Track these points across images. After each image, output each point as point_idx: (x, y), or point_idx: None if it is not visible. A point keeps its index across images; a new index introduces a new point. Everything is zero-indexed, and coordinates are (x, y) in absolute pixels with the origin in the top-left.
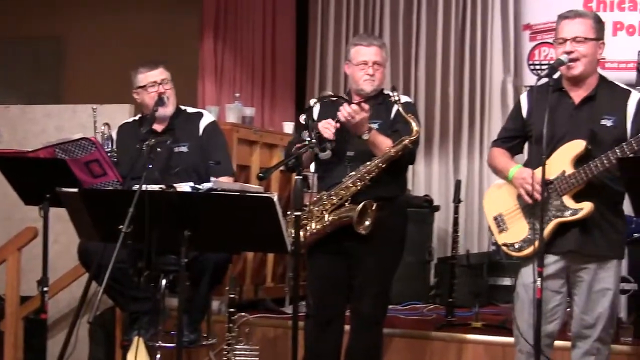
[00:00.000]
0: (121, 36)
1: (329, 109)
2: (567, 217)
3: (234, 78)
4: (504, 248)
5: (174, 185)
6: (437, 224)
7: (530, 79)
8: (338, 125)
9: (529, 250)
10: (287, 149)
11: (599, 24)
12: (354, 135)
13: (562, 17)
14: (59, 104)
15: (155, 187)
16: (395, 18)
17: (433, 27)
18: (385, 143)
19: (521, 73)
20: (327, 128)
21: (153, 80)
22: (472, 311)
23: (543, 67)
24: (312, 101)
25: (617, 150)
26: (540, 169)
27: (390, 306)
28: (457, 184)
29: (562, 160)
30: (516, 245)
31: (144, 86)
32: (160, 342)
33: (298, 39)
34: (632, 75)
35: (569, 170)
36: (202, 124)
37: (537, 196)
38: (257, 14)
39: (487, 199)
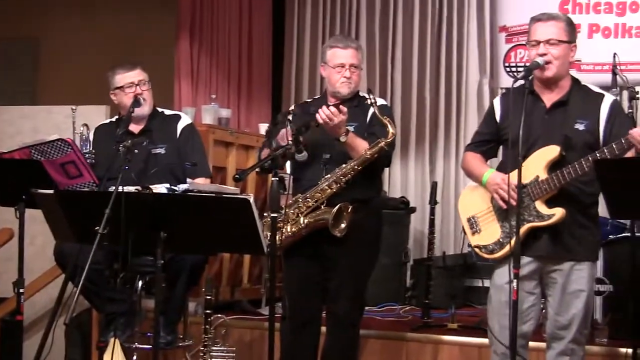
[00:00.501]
0: (97, 38)
1: (303, 112)
2: (539, 222)
3: (210, 79)
4: (477, 250)
5: (150, 186)
6: (413, 226)
7: (506, 81)
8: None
9: (501, 252)
10: (261, 151)
11: (572, 27)
12: (331, 137)
13: (535, 19)
14: (34, 105)
15: (132, 189)
16: (371, 20)
17: (409, 28)
18: (362, 145)
19: (497, 75)
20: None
21: (130, 81)
22: (448, 312)
23: (519, 69)
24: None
25: (591, 158)
26: (514, 172)
27: (366, 308)
28: (434, 186)
29: (536, 166)
30: (489, 247)
31: (121, 87)
32: (136, 343)
33: (274, 40)
34: (607, 77)
35: (543, 175)
36: (180, 126)
37: (512, 202)
38: (233, 15)
39: (461, 201)
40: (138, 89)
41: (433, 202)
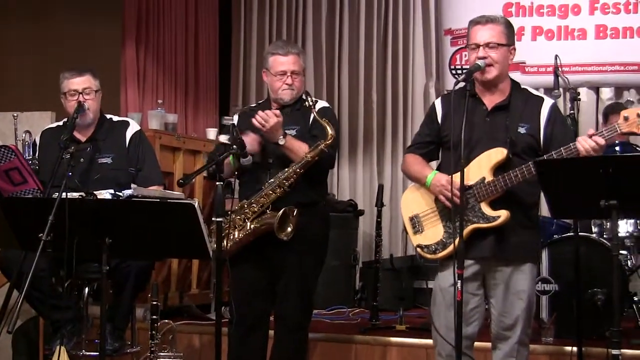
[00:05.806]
0: (42, 43)
1: (248, 118)
2: (484, 224)
3: (156, 84)
4: (419, 250)
5: (95, 192)
6: (362, 229)
7: (452, 84)
8: (262, 140)
9: (443, 252)
10: (210, 155)
11: (510, 30)
12: (269, 141)
13: (474, 22)
14: None
15: (76, 195)
16: (317, 24)
17: (356, 32)
18: (301, 148)
19: (443, 78)
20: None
21: (74, 88)
22: (397, 314)
23: (464, 71)
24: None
25: (538, 161)
26: (458, 174)
27: (315, 310)
28: (380, 188)
29: (482, 167)
30: (431, 247)
31: (64, 93)
32: (83, 350)
33: (221, 45)
34: (551, 79)
35: (489, 177)
36: (129, 133)
37: (457, 201)
38: (179, 20)
39: (404, 200)
40: (81, 97)
41: (380, 204)
